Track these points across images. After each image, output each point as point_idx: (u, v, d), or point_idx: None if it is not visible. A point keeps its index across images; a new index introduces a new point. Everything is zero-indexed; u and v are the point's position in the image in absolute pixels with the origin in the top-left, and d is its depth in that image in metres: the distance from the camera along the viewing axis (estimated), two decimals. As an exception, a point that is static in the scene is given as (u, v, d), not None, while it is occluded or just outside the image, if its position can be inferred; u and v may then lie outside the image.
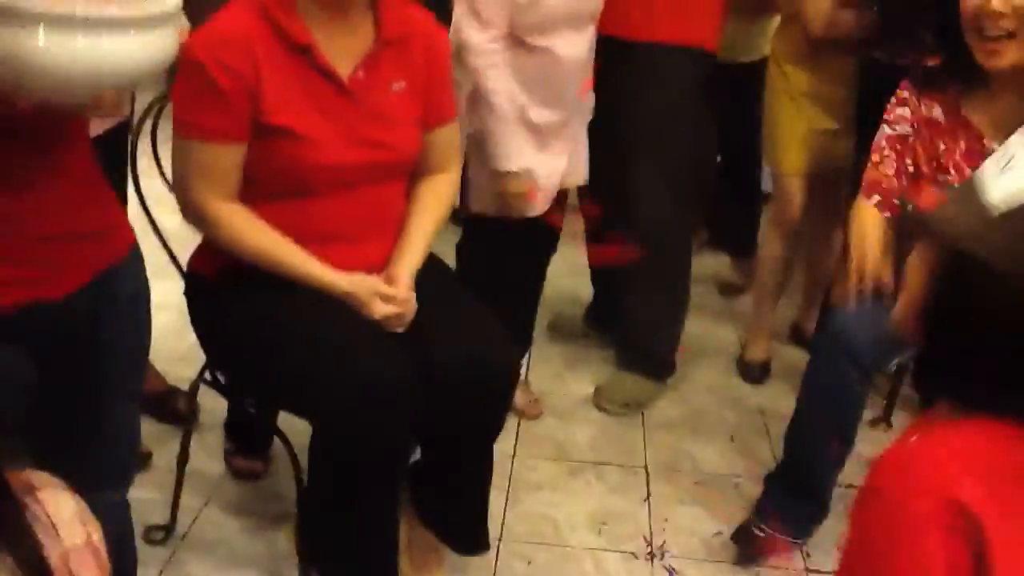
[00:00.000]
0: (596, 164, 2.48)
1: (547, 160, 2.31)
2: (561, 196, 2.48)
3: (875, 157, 2.07)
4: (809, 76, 2.66)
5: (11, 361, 1.25)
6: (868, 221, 2.02)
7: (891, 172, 2.04)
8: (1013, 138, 1.01)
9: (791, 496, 2.15)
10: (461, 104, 2.12)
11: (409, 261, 1.79)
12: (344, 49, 1.71)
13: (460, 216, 2.47)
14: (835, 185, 2.74)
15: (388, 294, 1.73)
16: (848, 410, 2.08)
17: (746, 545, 2.17)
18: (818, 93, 2.66)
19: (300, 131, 1.67)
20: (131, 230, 1.47)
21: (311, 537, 1.82)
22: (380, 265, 1.80)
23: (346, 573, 1.80)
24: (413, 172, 1.88)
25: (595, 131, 2.45)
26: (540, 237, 2.49)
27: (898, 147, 2.04)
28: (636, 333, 2.74)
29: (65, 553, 0.88)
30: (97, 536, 0.92)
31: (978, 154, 1.94)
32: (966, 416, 0.92)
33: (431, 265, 1.86)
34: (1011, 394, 0.90)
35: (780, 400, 2.73)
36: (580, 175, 2.48)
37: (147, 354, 1.51)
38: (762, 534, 2.14)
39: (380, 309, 1.72)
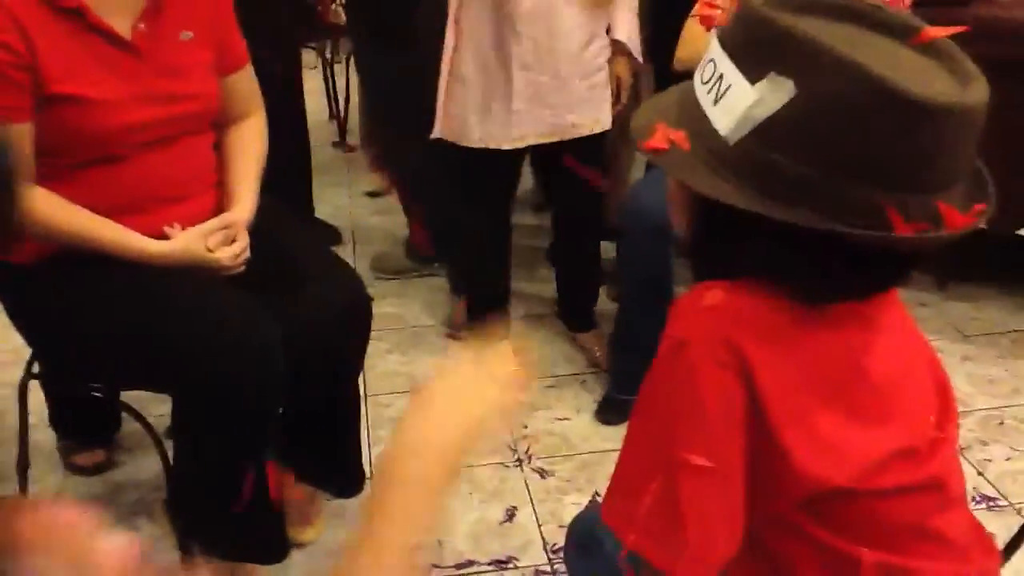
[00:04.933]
0: None
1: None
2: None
3: None
4: None
5: None
6: (703, 35, 2.09)
7: (724, 6, 2.13)
8: (715, 54, 0.98)
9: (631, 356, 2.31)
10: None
11: (243, 206, 1.75)
12: (120, 4, 1.62)
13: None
14: None
15: (217, 231, 1.68)
16: (665, 274, 2.22)
17: (610, 413, 2.32)
18: None
19: (87, 96, 1.57)
20: None
21: (186, 512, 1.76)
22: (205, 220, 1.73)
23: (231, 543, 1.76)
24: (218, 123, 1.82)
25: None
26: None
27: None
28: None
29: None
30: None
31: None
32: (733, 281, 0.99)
33: (269, 211, 1.81)
34: (767, 273, 0.98)
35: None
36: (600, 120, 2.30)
37: None
38: (624, 397, 2.28)
39: (221, 254, 1.67)
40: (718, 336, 0.94)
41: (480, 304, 2.64)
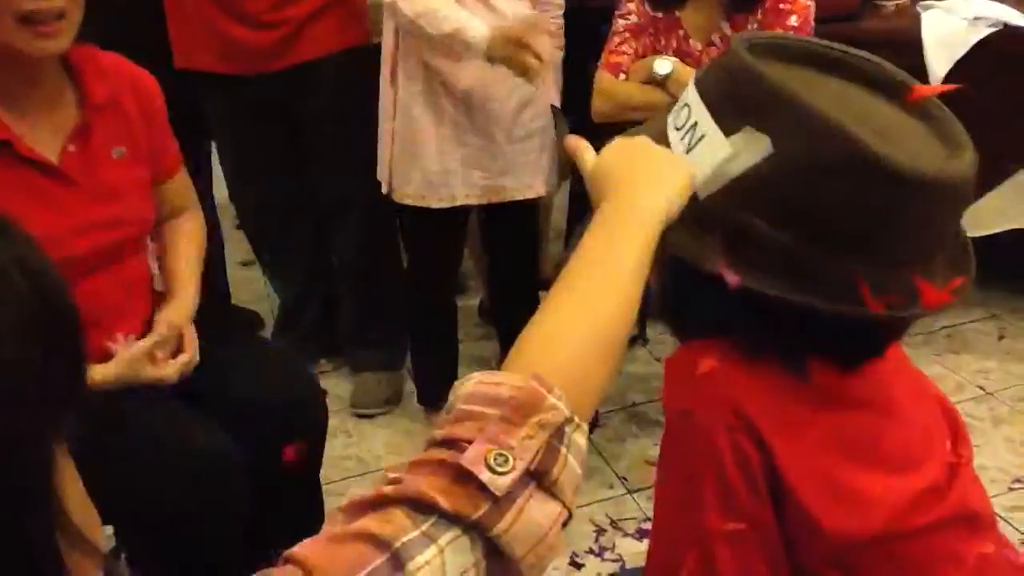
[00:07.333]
0: None
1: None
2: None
3: (615, 40, 2.14)
4: None
5: None
6: (618, 83, 2.11)
7: (631, 52, 2.13)
8: (691, 100, 0.94)
9: None
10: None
11: (182, 305, 1.66)
12: (48, 129, 1.52)
13: None
14: None
15: (161, 342, 1.58)
16: None
17: None
18: None
19: None
20: None
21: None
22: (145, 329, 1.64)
23: None
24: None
25: None
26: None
27: (632, 32, 2.13)
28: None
29: None
30: None
31: (686, 53, 2.09)
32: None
33: (211, 310, 1.73)
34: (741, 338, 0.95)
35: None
36: (533, 186, 2.28)
37: None
38: None
39: (170, 369, 1.56)
40: (721, 401, 0.91)
41: (429, 379, 2.58)
